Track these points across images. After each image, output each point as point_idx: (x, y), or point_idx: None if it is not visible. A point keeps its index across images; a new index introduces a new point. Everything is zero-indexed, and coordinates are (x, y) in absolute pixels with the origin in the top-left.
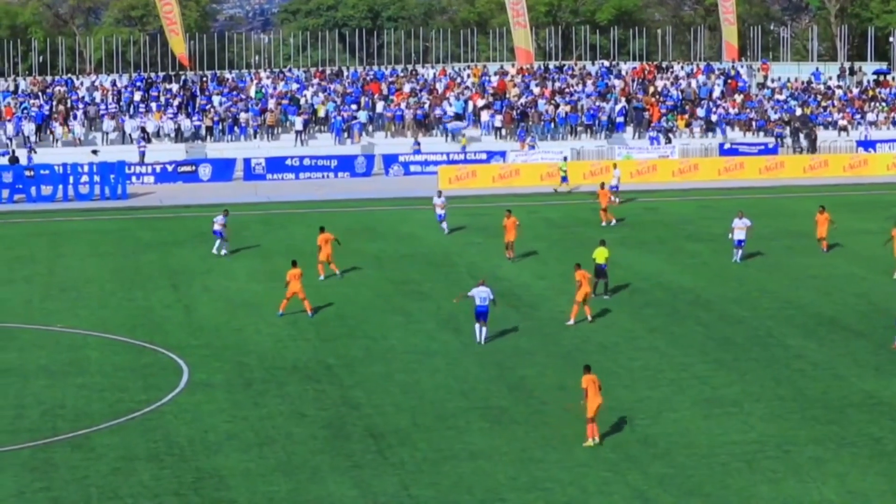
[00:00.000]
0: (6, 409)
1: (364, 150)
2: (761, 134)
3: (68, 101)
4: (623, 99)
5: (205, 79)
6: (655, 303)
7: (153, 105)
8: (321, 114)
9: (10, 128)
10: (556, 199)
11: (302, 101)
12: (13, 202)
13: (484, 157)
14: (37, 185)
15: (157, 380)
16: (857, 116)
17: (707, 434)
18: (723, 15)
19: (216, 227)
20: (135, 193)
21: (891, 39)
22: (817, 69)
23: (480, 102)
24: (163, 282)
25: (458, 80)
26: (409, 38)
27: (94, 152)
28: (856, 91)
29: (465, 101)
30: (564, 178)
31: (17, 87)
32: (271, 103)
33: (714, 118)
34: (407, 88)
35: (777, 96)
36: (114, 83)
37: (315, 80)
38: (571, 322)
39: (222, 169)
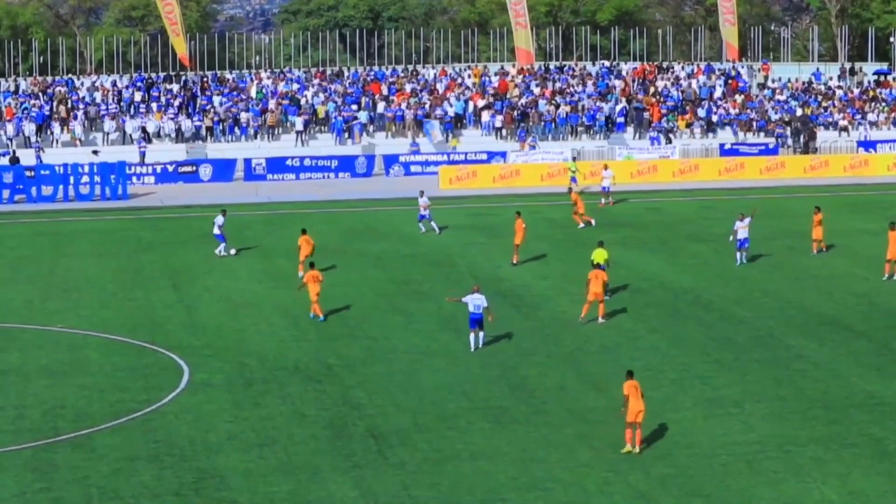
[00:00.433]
0: (7, 410)
1: (365, 150)
2: (762, 134)
3: (69, 102)
4: (623, 99)
5: (205, 79)
6: (656, 303)
7: (154, 105)
8: (321, 115)
9: (10, 128)
10: (557, 199)
11: (302, 102)
12: (14, 202)
13: (484, 157)
14: (37, 186)
15: (158, 380)
16: (858, 117)
17: (708, 434)
18: (723, 15)
19: (217, 230)
20: (135, 194)
21: (891, 40)
22: (818, 69)
23: (481, 103)
24: (164, 282)
25: (459, 80)
26: (410, 38)
27: (95, 153)
28: (856, 91)
29: (466, 102)
30: (574, 179)
31: (17, 87)
32: (272, 103)
33: (715, 118)
34: (408, 89)
35: (778, 97)
36: (114, 83)
37: (316, 81)
38: (582, 318)
39: (223, 169)
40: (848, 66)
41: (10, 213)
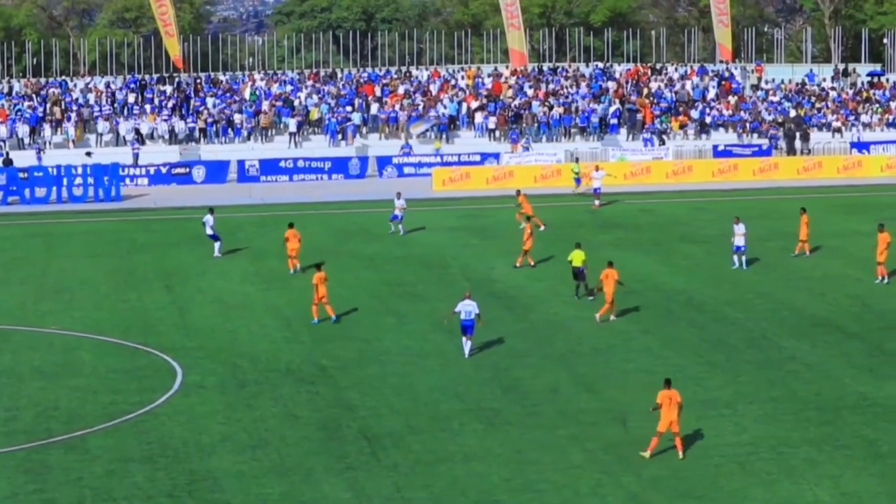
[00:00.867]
0: (0, 411)
1: (358, 151)
2: (755, 136)
3: (62, 103)
4: (617, 101)
5: (199, 80)
6: (649, 304)
7: (147, 107)
8: (314, 117)
9: (3, 130)
10: (551, 200)
11: (296, 103)
12: (7, 204)
13: (478, 158)
14: (31, 187)
15: (151, 382)
16: (851, 118)
17: (701, 436)
18: (716, 17)
19: (209, 230)
20: (129, 195)
21: (885, 41)
22: (811, 71)
23: (474, 104)
24: (157, 283)
25: (452, 81)
26: (403, 39)
27: (88, 154)
28: (850, 93)
29: (459, 103)
30: (578, 180)
31: (11, 89)
32: (265, 105)
33: (708, 120)
34: (401, 90)
35: (771, 98)
36: (108, 85)
37: (309, 82)
38: (597, 318)
39: (216, 171)
40: (841, 67)
41: (4, 215)
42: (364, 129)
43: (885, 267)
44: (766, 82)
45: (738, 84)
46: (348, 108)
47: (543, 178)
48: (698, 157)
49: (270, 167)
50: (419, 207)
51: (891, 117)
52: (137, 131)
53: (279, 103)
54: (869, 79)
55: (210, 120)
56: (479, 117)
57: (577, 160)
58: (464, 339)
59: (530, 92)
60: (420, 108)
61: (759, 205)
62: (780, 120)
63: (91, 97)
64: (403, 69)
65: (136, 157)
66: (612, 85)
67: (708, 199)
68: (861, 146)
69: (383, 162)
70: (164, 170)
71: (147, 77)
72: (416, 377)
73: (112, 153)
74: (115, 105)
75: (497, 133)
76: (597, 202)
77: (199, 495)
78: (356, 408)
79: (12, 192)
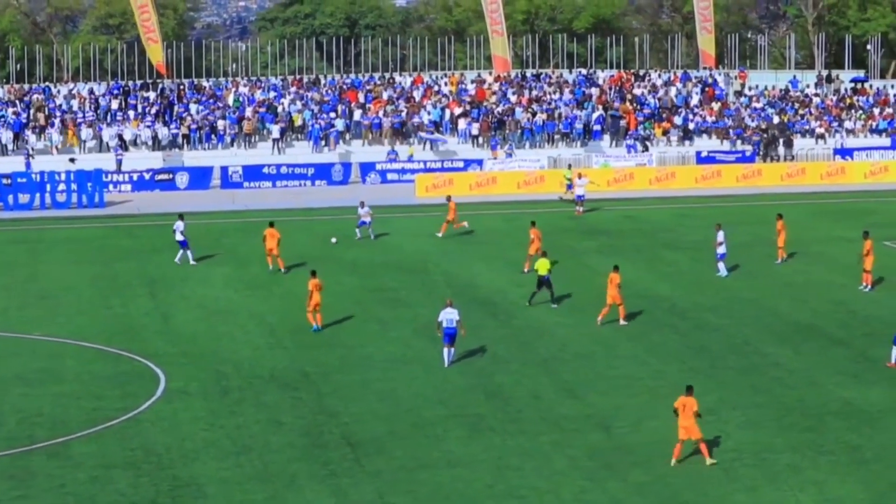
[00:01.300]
0: None
1: (341, 157)
2: (738, 142)
3: (46, 109)
4: (600, 107)
5: (182, 87)
6: (633, 310)
7: (130, 113)
8: (298, 123)
9: None
10: (534, 207)
11: (279, 110)
12: None
13: (461, 165)
14: (14, 194)
15: (134, 388)
16: (835, 124)
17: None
18: (700, 23)
19: (179, 236)
20: (112, 202)
21: (868, 47)
22: (795, 77)
23: (458, 110)
24: (140, 290)
25: (436, 88)
26: (387, 46)
27: (72, 160)
28: (833, 99)
29: (442, 110)
30: (570, 186)
31: None
32: (249, 111)
33: (691, 126)
34: (384, 96)
35: (754, 104)
36: (91, 91)
37: (292, 89)
38: (599, 321)
39: (199, 177)
40: (825, 73)
41: None
42: (347, 136)
43: (871, 275)
44: (750, 88)
45: (721, 90)
46: (332, 115)
47: (526, 185)
48: (682, 163)
49: (254, 173)
50: (402, 214)
51: (874, 124)
52: (121, 137)
53: (262, 109)
54: (852, 85)
55: (193, 126)
56: (462, 123)
57: (569, 166)
58: (445, 349)
59: (514, 98)
60: (403, 114)
61: (743, 211)
62: (763, 126)
63: (74, 103)
64: (387, 75)
65: (119, 163)
66: (595, 91)
67: (691, 206)
68: (844, 152)
69: (366, 168)
70: (147, 176)
71: (130, 83)
72: (399, 383)
73: (95, 159)
74: (99, 111)
75: (480, 139)
76: (580, 209)
77: (183, 501)
78: (339, 414)
79: None
